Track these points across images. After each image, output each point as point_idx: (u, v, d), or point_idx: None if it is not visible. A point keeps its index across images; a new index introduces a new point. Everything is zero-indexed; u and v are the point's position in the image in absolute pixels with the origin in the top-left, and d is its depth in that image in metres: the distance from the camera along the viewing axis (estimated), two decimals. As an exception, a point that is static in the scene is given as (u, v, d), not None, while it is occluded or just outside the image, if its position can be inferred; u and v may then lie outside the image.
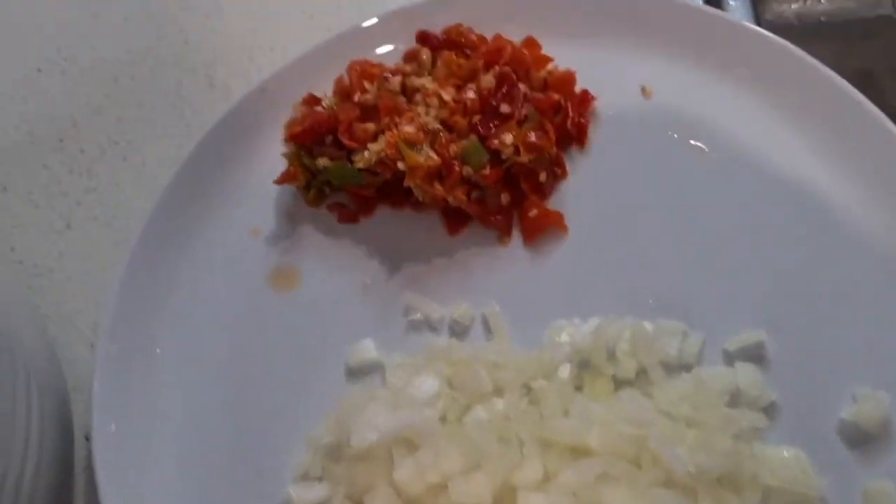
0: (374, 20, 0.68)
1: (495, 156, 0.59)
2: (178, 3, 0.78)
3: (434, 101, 0.60)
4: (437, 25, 0.67)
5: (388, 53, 0.67)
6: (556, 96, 0.61)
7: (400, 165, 0.57)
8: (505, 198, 0.60)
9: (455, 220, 0.61)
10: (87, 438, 0.58)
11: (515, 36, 0.66)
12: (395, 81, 0.62)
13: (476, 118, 0.60)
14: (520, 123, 0.59)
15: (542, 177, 0.60)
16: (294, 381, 0.57)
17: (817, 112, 0.61)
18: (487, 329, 0.58)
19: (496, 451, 0.48)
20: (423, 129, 0.58)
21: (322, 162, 0.60)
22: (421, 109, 0.59)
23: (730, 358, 0.54)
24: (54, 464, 0.54)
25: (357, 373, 0.57)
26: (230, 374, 0.57)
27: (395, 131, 0.57)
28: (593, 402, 0.51)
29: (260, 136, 0.65)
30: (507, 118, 0.59)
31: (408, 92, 0.62)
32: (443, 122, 0.59)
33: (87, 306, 0.64)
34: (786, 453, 0.50)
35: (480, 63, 0.62)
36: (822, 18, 0.93)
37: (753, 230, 0.58)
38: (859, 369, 0.53)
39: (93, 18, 0.77)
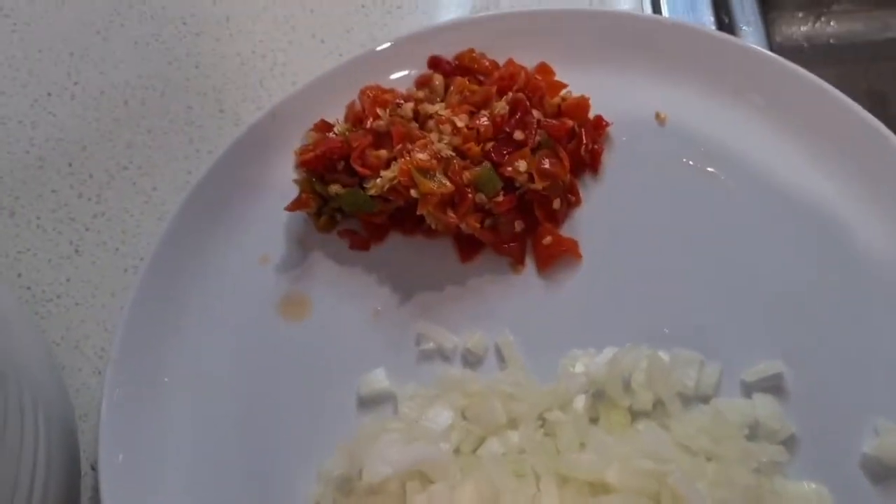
0: (385, 45, 0.67)
1: (509, 183, 0.58)
2: (189, 28, 0.78)
3: (447, 128, 0.59)
4: (448, 51, 0.67)
5: (400, 79, 0.67)
6: (569, 122, 0.61)
7: (413, 193, 0.56)
8: (518, 225, 0.59)
9: (468, 247, 0.60)
10: (94, 468, 0.58)
11: (528, 62, 0.65)
12: (408, 108, 0.61)
13: (489, 145, 0.59)
14: (533, 150, 0.59)
15: (556, 204, 0.60)
16: (305, 411, 0.56)
17: (833, 138, 0.60)
18: (501, 358, 0.57)
19: (512, 486, 0.47)
20: (436, 155, 0.57)
21: (334, 189, 0.60)
22: (434, 136, 0.59)
23: (747, 389, 0.53)
24: (60, 493, 0.53)
25: (369, 403, 0.56)
26: (239, 404, 0.57)
27: (408, 158, 0.57)
28: (610, 434, 0.50)
29: (270, 162, 0.65)
30: (520, 145, 0.59)
31: (420, 118, 0.62)
32: (456, 149, 0.58)
33: (95, 332, 0.63)
34: (807, 488, 0.49)
35: (493, 89, 0.62)
36: (832, 41, 0.93)
37: (770, 258, 0.58)
38: (881, 401, 0.52)
39: (103, 43, 0.77)
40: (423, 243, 0.61)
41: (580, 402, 0.52)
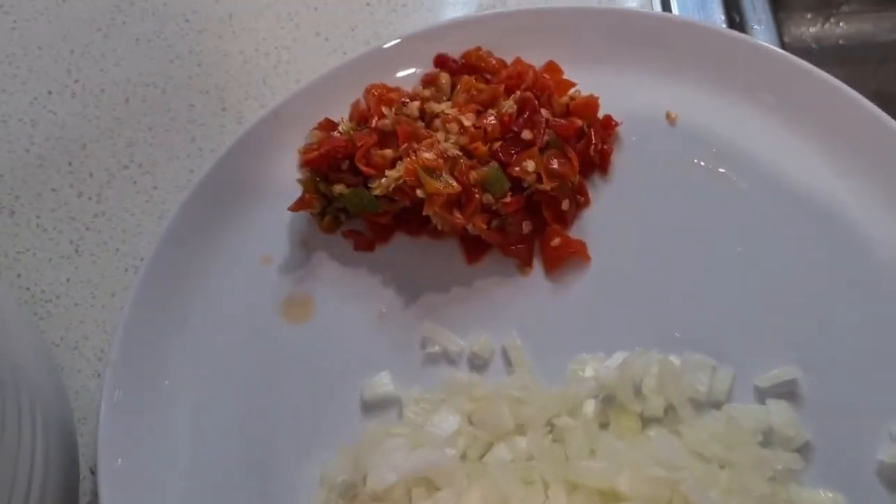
0: (391, 44, 0.66)
1: (516, 183, 0.58)
2: (191, 25, 0.77)
3: (454, 127, 0.58)
4: (454, 49, 0.66)
5: (405, 77, 0.66)
6: (578, 122, 0.60)
7: (419, 193, 0.55)
8: (526, 226, 0.58)
9: (474, 248, 0.59)
10: (93, 471, 0.57)
11: (536, 60, 0.64)
12: (414, 107, 0.60)
13: (497, 144, 0.58)
14: (542, 150, 0.58)
15: (565, 205, 0.59)
16: (308, 415, 0.55)
17: (846, 137, 0.59)
18: (508, 362, 0.56)
19: (520, 494, 0.46)
20: (442, 155, 0.56)
21: (338, 188, 0.59)
22: (440, 135, 0.58)
23: (761, 395, 0.52)
24: (58, 497, 0.52)
25: (373, 407, 0.55)
26: (240, 408, 0.56)
27: (413, 157, 0.56)
28: (620, 440, 0.49)
29: (273, 161, 0.64)
30: (528, 144, 0.58)
31: (426, 117, 0.61)
32: (462, 149, 0.58)
33: (94, 334, 0.62)
34: (823, 496, 0.48)
35: (501, 88, 0.61)
36: (841, 42, 0.93)
37: (784, 260, 0.57)
38: (898, 408, 0.51)
39: (104, 40, 0.76)
40: (429, 244, 0.60)
41: (590, 407, 0.51)
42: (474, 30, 0.66)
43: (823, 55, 0.91)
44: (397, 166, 0.56)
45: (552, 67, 0.64)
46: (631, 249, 0.59)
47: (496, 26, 0.66)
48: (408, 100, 0.61)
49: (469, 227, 0.57)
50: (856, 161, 0.59)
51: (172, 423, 0.55)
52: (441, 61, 0.65)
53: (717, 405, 0.52)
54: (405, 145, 0.57)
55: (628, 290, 0.57)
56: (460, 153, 0.57)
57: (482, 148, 0.58)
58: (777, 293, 0.55)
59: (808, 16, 0.91)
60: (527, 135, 0.58)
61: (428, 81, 0.64)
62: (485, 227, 0.57)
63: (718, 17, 0.73)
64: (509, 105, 0.59)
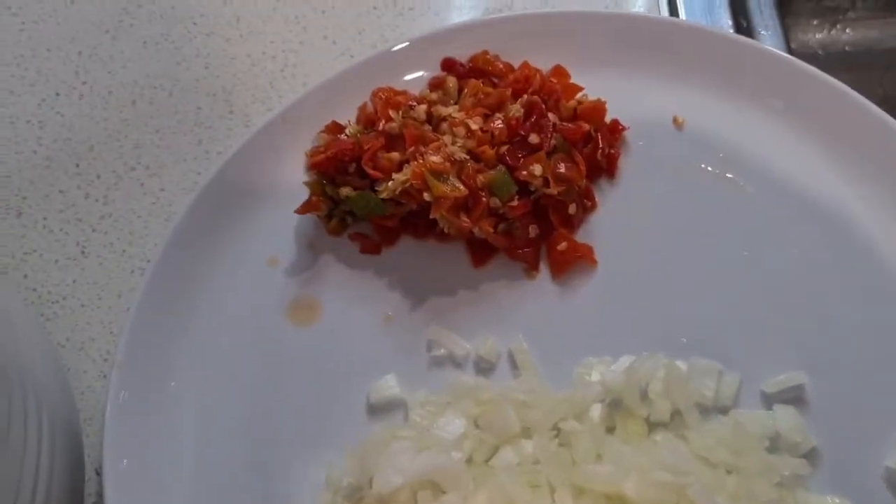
0: (398, 47, 0.66)
1: (523, 187, 0.58)
2: (199, 28, 0.77)
3: (461, 131, 0.58)
4: (461, 53, 0.66)
5: (412, 81, 0.66)
6: (585, 126, 0.60)
7: (426, 196, 0.55)
8: (533, 230, 0.58)
9: (481, 252, 0.59)
10: (98, 473, 0.57)
11: (543, 64, 0.64)
12: (421, 110, 0.60)
13: (504, 148, 0.58)
14: (549, 154, 0.58)
15: (572, 209, 0.59)
16: (313, 417, 0.55)
17: (854, 142, 0.59)
18: (514, 366, 0.56)
19: (526, 498, 0.46)
20: (449, 158, 0.56)
21: (345, 191, 0.59)
22: (447, 139, 0.58)
23: (768, 400, 0.52)
24: (63, 498, 0.52)
25: (379, 409, 0.55)
26: (246, 409, 0.56)
27: (421, 161, 0.56)
28: (627, 445, 0.49)
29: (280, 164, 0.64)
30: (535, 148, 0.58)
31: (433, 121, 0.61)
32: (470, 152, 0.58)
33: (100, 335, 0.62)
34: (831, 502, 0.47)
35: (508, 92, 0.61)
36: (847, 48, 0.93)
37: (791, 265, 0.56)
38: (905, 414, 0.50)
39: (112, 42, 0.76)
40: (435, 247, 0.60)
41: (596, 412, 0.51)
42: (481, 33, 0.66)
43: (830, 61, 0.91)
44: (404, 169, 0.56)
45: (559, 71, 0.64)
46: (638, 254, 0.58)
47: (503, 30, 0.66)
48: (415, 103, 0.61)
49: (476, 230, 0.57)
50: (863, 166, 0.58)
51: (178, 425, 0.55)
52: (448, 65, 0.65)
53: (724, 410, 0.52)
54: (412, 148, 0.57)
55: (635, 294, 0.57)
56: (467, 157, 0.57)
57: (489, 151, 0.58)
58: (784, 298, 0.55)
59: (815, 22, 0.91)
60: (534, 139, 0.58)
61: (435, 85, 0.64)
62: (492, 230, 0.57)
63: (726, 23, 0.73)
64: (516, 109, 0.59)
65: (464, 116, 0.59)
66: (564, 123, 0.60)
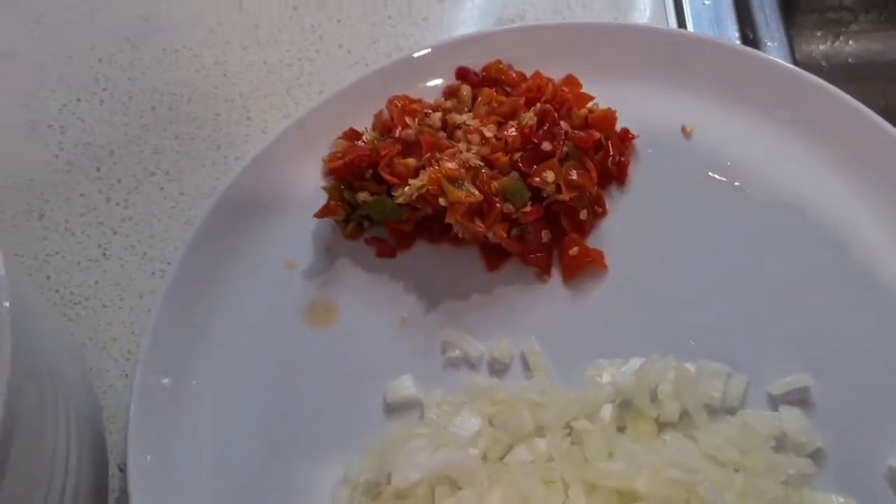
0: (412, 56, 0.68)
1: (536, 193, 0.59)
2: (217, 36, 0.78)
3: (475, 138, 0.60)
4: (475, 62, 0.68)
5: (426, 89, 0.67)
6: (596, 134, 0.61)
7: (441, 201, 0.57)
8: (545, 235, 0.60)
9: (494, 256, 0.61)
10: (121, 469, 0.58)
11: (554, 74, 0.66)
12: (436, 117, 0.62)
13: (517, 155, 0.60)
14: (561, 161, 0.59)
15: (583, 215, 0.60)
16: (331, 416, 0.56)
17: (857, 151, 0.61)
18: (526, 367, 0.57)
19: (540, 493, 0.47)
20: (464, 165, 0.58)
21: (362, 196, 0.60)
22: (462, 146, 0.60)
23: (774, 402, 0.54)
24: (90, 493, 0.53)
25: (395, 409, 0.56)
26: (265, 409, 0.57)
27: (436, 167, 0.57)
28: (637, 444, 0.50)
29: (297, 170, 0.65)
30: (548, 156, 0.59)
31: (448, 128, 0.62)
32: (484, 159, 0.59)
33: (122, 335, 0.64)
34: (835, 501, 0.49)
35: (522, 100, 0.62)
36: (850, 59, 0.94)
37: (796, 271, 0.58)
38: (907, 415, 0.52)
39: (132, 50, 0.78)
40: (450, 252, 0.62)
41: (607, 412, 0.53)
42: (495, 43, 0.68)
43: (834, 72, 0.93)
44: (420, 175, 0.58)
45: (571, 81, 0.66)
46: (647, 259, 0.60)
47: (516, 40, 0.68)
48: (430, 111, 0.63)
49: (490, 235, 0.58)
50: (866, 174, 0.60)
51: (199, 422, 0.56)
52: (462, 74, 0.67)
53: (732, 411, 0.53)
54: (428, 155, 0.59)
55: (644, 298, 0.58)
56: (482, 163, 0.59)
57: (503, 158, 0.59)
58: (789, 303, 0.57)
59: (819, 34, 0.93)
60: (546, 146, 0.60)
61: (450, 93, 0.66)
62: (505, 235, 0.58)
63: (732, 34, 0.75)
64: (529, 117, 0.61)
65: (478, 124, 0.61)
66: (576, 132, 0.61)
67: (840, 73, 0.93)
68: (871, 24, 0.93)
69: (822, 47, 0.94)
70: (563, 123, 0.61)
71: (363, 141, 0.63)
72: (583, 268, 0.60)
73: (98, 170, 0.72)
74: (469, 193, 0.57)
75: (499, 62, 0.67)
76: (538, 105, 0.62)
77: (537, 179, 0.58)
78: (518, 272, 0.61)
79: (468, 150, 0.59)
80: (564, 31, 0.68)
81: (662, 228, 0.61)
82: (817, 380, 0.53)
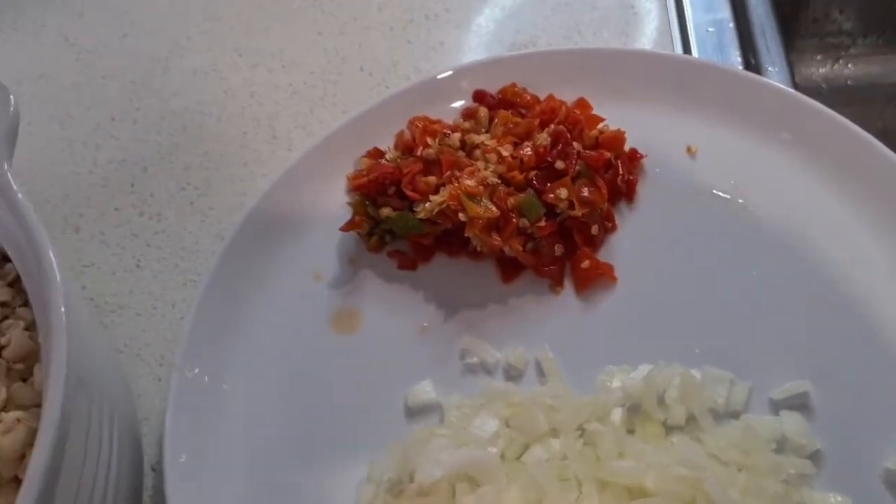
0: (430, 79, 0.72)
1: (550, 209, 0.62)
2: (244, 59, 0.82)
3: (493, 157, 0.63)
4: (491, 85, 0.71)
5: (445, 110, 0.71)
6: (607, 154, 0.65)
7: (461, 216, 0.60)
8: (558, 249, 0.63)
9: (510, 268, 0.64)
10: (154, 469, 0.61)
11: (567, 97, 0.70)
12: (455, 138, 0.65)
13: (532, 173, 0.63)
14: (573, 179, 0.63)
15: (594, 230, 0.63)
16: (355, 419, 0.59)
17: (855, 172, 0.64)
18: (540, 373, 0.60)
19: (556, 490, 0.50)
20: (482, 182, 0.61)
21: (385, 211, 0.64)
22: (480, 164, 0.63)
23: (775, 406, 0.56)
24: (128, 493, 0.56)
25: (416, 413, 0.59)
26: (293, 411, 0.60)
27: (456, 184, 0.61)
28: (646, 444, 0.53)
29: (322, 186, 0.69)
30: (561, 174, 0.63)
31: (467, 148, 0.66)
32: (501, 177, 0.62)
33: (155, 342, 0.67)
34: (833, 500, 0.51)
35: (536, 122, 0.66)
36: (849, 83, 0.97)
37: (796, 283, 0.61)
38: (902, 420, 0.55)
39: (164, 73, 0.82)
40: (468, 264, 0.65)
41: (617, 415, 0.55)
42: (510, 68, 0.71)
43: (833, 95, 0.95)
44: (441, 192, 0.61)
45: (582, 103, 0.70)
46: (654, 272, 0.63)
47: (530, 65, 0.71)
48: (449, 131, 0.67)
49: (506, 248, 0.61)
50: (861, 192, 0.63)
51: (230, 424, 0.59)
52: (479, 96, 0.71)
53: (735, 415, 0.56)
54: (448, 173, 0.62)
55: (652, 308, 0.61)
56: (499, 181, 0.62)
57: (519, 176, 0.63)
58: (790, 313, 0.60)
59: (819, 57, 0.96)
60: (560, 165, 0.63)
61: (468, 115, 0.69)
62: (520, 249, 0.61)
63: (735, 60, 0.78)
64: (543, 138, 0.64)
65: (495, 144, 0.64)
66: (587, 151, 0.65)
67: (839, 96, 0.96)
68: (870, 47, 0.95)
69: (821, 70, 0.97)
70: (575, 144, 0.64)
71: (386, 159, 0.66)
72: (594, 280, 0.63)
73: (132, 185, 0.75)
74: (487, 209, 0.60)
75: (514, 85, 0.70)
76: (552, 126, 0.65)
77: (551, 196, 0.62)
78: (532, 284, 0.64)
79: (486, 168, 0.63)
80: (576, 56, 0.71)
81: (669, 243, 0.64)
82: (816, 386, 0.56)
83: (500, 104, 0.70)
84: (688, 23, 0.80)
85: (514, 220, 0.61)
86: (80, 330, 0.55)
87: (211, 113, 0.79)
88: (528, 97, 0.70)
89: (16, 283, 0.55)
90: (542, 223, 0.62)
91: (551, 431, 0.55)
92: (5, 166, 0.48)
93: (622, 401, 0.56)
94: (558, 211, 0.62)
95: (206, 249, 0.71)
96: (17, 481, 0.48)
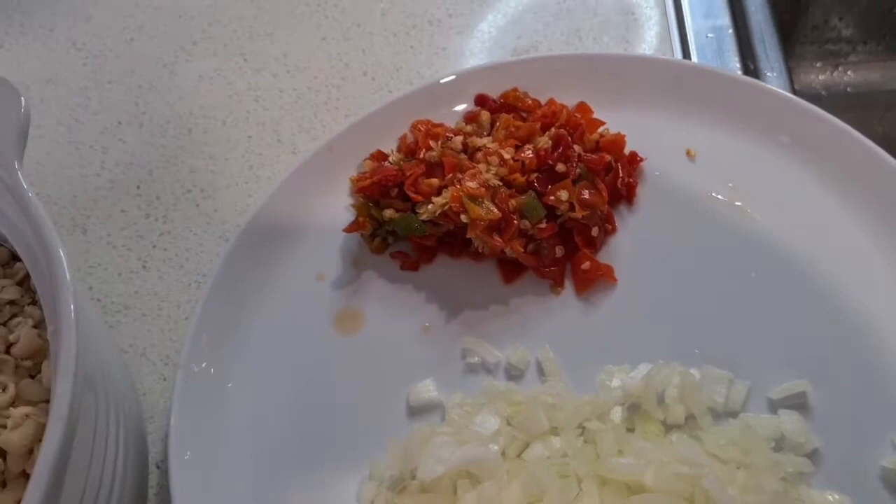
0: (433, 84, 0.73)
1: (551, 211, 0.63)
2: (249, 64, 0.83)
3: (494, 160, 0.64)
4: (493, 89, 0.72)
5: (447, 114, 0.72)
6: (607, 157, 0.65)
7: (463, 218, 0.61)
8: (559, 250, 0.64)
9: (511, 269, 0.65)
10: (159, 466, 0.62)
11: (567, 101, 0.71)
12: (458, 141, 0.66)
13: (533, 176, 0.64)
14: (574, 181, 0.63)
15: (594, 231, 0.64)
16: (357, 417, 0.60)
17: (855, 177, 0.65)
18: (541, 373, 0.61)
19: (556, 486, 0.51)
20: (484, 184, 0.62)
21: (388, 213, 0.65)
22: (482, 167, 0.64)
23: (773, 406, 0.57)
24: (134, 490, 0.57)
25: (418, 411, 0.60)
26: (297, 410, 0.61)
27: (458, 186, 0.61)
28: (645, 442, 0.54)
29: (326, 188, 0.70)
30: (562, 176, 0.63)
31: (469, 150, 0.67)
32: (502, 179, 0.63)
33: (160, 341, 0.67)
34: (831, 499, 0.52)
35: (537, 125, 0.67)
36: (849, 89, 0.98)
37: (793, 284, 0.62)
38: (898, 418, 0.55)
39: (170, 77, 0.83)
40: (469, 265, 0.66)
41: (617, 414, 0.56)
42: (512, 72, 0.72)
43: (833, 101, 0.96)
44: (443, 194, 0.62)
45: (583, 107, 0.70)
46: (654, 273, 0.64)
47: (532, 70, 0.72)
48: (452, 135, 0.67)
49: (507, 250, 0.62)
50: (859, 194, 0.64)
51: (235, 422, 0.60)
52: (481, 100, 0.72)
53: (734, 414, 0.57)
54: (450, 175, 0.63)
55: (652, 309, 0.62)
56: (500, 183, 0.63)
57: (520, 179, 0.64)
58: (788, 314, 0.60)
59: (819, 64, 0.97)
60: (561, 168, 0.64)
61: (470, 118, 0.70)
62: (521, 250, 0.62)
63: (734, 65, 0.79)
64: (545, 141, 0.65)
65: (497, 147, 0.65)
66: (588, 154, 0.66)
67: (839, 102, 0.97)
68: (869, 54, 0.96)
69: (821, 77, 0.98)
70: (576, 147, 0.65)
71: (389, 162, 0.67)
72: (594, 281, 0.64)
73: (138, 188, 0.76)
74: (489, 211, 0.61)
75: (515, 90, 0.71)
76: (553, 130, 0.66)
77: (552, 198, 0.63)
78: (533, 285, 0.65)
79: (488, 170, 0.64)
80: (577, 61, 0.72)
81: (668, 244, 0.65)
82: (814, 385, 0.57)
83: (501, 108, 0.71)
84: (687, 29, 0.81)
85: (516, 221, 0.62)
86: (87, 328, 0.56)
87: (216, 117, 0.80)
88: (530, 101, 0.71)
89: (25, 282, 0.56)
90: (543, 225, 0.63)
91: (552, 430, 0.55)
92: (16, 165, 0.49)
93: (622, 400, 0.57)
94: (559, 213, 0.63)
95: (211, 251, 0.72)
96: (25, 476, 0.49)
